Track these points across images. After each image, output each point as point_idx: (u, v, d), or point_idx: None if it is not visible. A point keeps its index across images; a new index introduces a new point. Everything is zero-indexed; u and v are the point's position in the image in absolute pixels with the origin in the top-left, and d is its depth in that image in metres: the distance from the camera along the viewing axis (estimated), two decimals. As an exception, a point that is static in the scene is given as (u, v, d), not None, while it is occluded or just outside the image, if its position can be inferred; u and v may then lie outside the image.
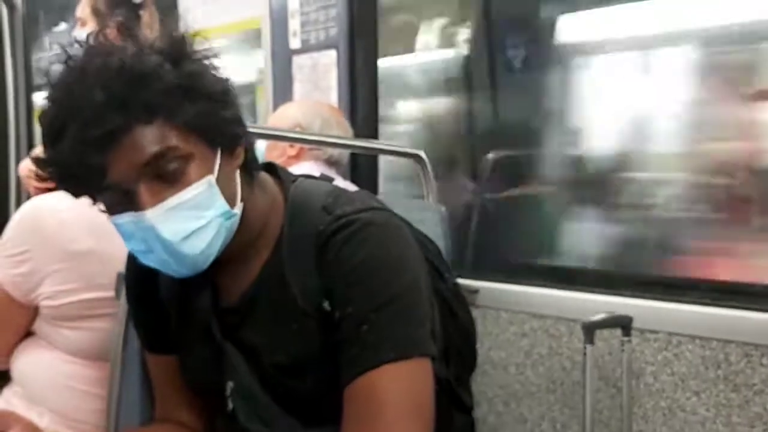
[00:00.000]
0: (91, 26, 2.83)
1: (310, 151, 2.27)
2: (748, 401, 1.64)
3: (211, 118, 1.09)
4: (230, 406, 1.23)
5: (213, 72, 1.12)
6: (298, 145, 2.27)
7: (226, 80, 1.14)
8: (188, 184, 1.08)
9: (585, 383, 1.72)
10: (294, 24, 2.66)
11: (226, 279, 1.22)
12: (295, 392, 1.19)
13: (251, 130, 1.74)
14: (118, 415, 1.51)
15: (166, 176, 1.07)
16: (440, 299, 1.34)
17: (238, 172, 1.15)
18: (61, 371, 1.68)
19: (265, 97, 2.80)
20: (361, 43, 2.55)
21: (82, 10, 2.88)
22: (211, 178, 1.09)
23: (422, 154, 2.12)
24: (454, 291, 1.43)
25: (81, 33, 2.88)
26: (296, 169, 2.23)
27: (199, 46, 1.12)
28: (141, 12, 2.86)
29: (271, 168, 1.28)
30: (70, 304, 1.64)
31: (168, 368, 1.34)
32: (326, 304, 1.14)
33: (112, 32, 3.01)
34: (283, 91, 2.71)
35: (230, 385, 1.23)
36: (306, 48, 2.65)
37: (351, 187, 2.23)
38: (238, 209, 1.14)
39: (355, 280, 1.12)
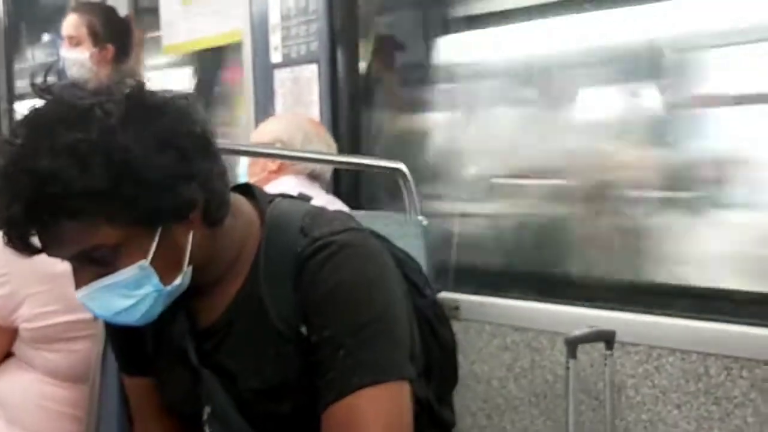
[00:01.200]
0: (86, 47, 2.83)
1: (291, 166, 2.26)
2: (728, 414, 1.65)
3: (146, 207, 1.05)
4: (207, 431, 1.22)
5: (168, 135, 1.06)
6: (278, 161, 2.27)
7: (192, 136, 1.09)
8: (118, 268, 1.08)
9: (568, 397, 1.72)
10: (275, 38, 2.66)
11: (202, 302, 1.21)
12: (273, 417, 1.18)
13: (231, 148, 1.74)
14: (98, 436, 1.50)
15: (96, 261, 1.08)
16: (420, 317, 1.33)
17: (191, 234, 1.11)
18: (39, 392, 1.67)
19: (246, 110, 2.80)
20: (343, 57, 2.55)
21: (77, 29, 2.87)
22: (143, 263, 1.08)
23: (403, 167, 2.12)
24: (434, 308, 1.43)
25: (70, 53, 2.87)
26: (277, 184, 2.23)
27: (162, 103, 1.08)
28: (130, 30, 2.88)
29: (246, 189, 1.27)
30: (49, 326, 1.63)
31: (145, 391, 1.33)
32: (303, 328, 1.13)
33: (107, 55, 3.00)
34: (264, 105, 2.71)
35: (207, 410, 1.21)
36: (287, 62, 2.65)
37: (334, 202, 2.25)
38: (179, 279, 1.12)
39: (331, 303, 1.11)
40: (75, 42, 2.88)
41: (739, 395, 1.63)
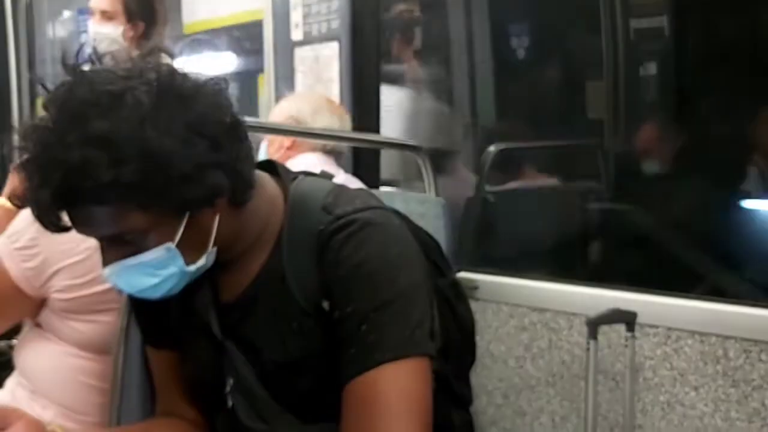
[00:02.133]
0: (119, 22, 2.82)
1: (304, 143, 2.27)
2: (746, 396, 1.65)
3: (175, 197, 1.06)
4: (230, 402, 1.23)
5: (199, 124, 1.05)
6: (292, 138, 2.28)
7: (223, 123, 1.09)
8: (146, 249, 1.09)
9: (588, 378, 1.72)
10: (296, 16, 2.66)
11: (226, 276, 1.23)
12: (295, 390, 1.20)
13: (252, 124, 1.74)
14: (120, 408, 1.51)
15: (124, 242, 1.09)
16: (440, 296, 1.34)
17: (217, 217, 1.13)
18: (68, 364, 1.68)
19: (267, 88, 2.80)
20: (363, 35, 2.54)
21: (111, 4, 2.86)
22: (170, 245, 1.09)
23: (422, 146, 2.13)
24: (453, 287, 1.44)
25: (102, 27, 2.86)
26: (296, 162, 2.23)
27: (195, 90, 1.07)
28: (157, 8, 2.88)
29: (270, 166, 1.28)
30: (82, 297, 1.63)
31: (169, 363, 1.35)
32: (325, 304, 1.14)
33: (138, 32, 2.98)
34: (285, 83, 2.72)
35: (230, 382, 1.23)
36: (308, 40, 2.65)
37: (352, 182, 2.25)
38: (204, 260, 1.14)
39: (354, 280, 1.12)
40: (108, 17, 2.87)
41: (757, 378, 1.63)
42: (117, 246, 1.10)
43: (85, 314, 1.66)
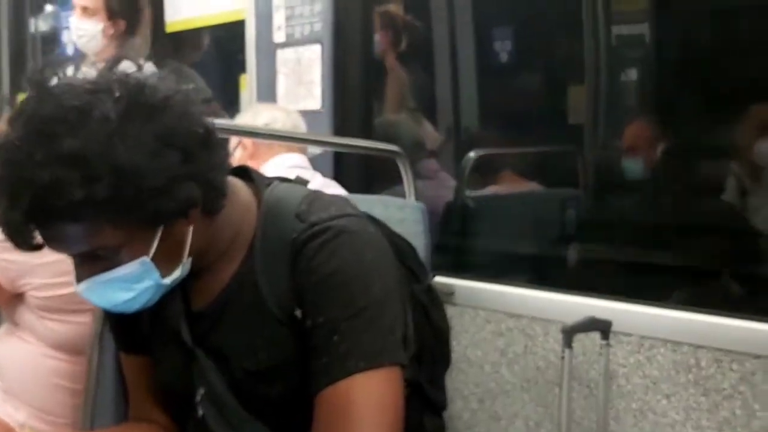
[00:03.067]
0: (100, 19, 2.82)
1: (268, 151, 2.28)
2: (717, 405, 1.66)
3: (148, 210, 1.05)
4: (200, 412, 1.23)
5: (169, 136, 1.04)
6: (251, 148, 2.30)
7: (193, 134, 1.07)
8: (120, 263, 1.08)
9: (562, 385, 1.73)
10: (279, 18, 2.66)
11: (197, 284, 1.22)
12: (266, 399, 1.19)
13: (227, 128, 1.72)
14: (93, 411, 1.51)
15: (98, 257, 1.08)
16: (415, 302, 1.35)
17: (191, 228, 1.12)
18: (42, 365, 1.69)
19: (248, 89, 2.80)
20: (346, 38, 2.55)
21: (93, 0, 2.86)
22: (145, 259, 1.09)
23: (401, 151, 2.13)
24: (429, 293, 1.44)
25: (83, 23, 2.86)
26: (273, 163, 2.24)
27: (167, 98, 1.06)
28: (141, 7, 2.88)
29: (244, 172, 1.28)
30: (58, 297, 1.64)
31: (142, 368, 1.35)
32: (298, 312, 1.14)
33: (119, 29, 3.00)
34: (267, 84, 2.72)
35: (200, 391, 1.23)
36: (290, 42, 2.65)
37: (331, 186, 2.26)
38: (179, 271, 1.13)
39: (327, 289, 1.12)
40: (90, 13, 2.88)
41: (728, 387, 1.65)
42: (90, 261, 1.09)
43: (61, 314, 1.66)
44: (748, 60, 2.32)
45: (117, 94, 1.03)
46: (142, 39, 2.88)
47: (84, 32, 2.87)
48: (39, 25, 4.65)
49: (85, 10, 2.88)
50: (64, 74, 1.11)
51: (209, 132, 1.11)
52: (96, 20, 2.85)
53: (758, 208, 2.24)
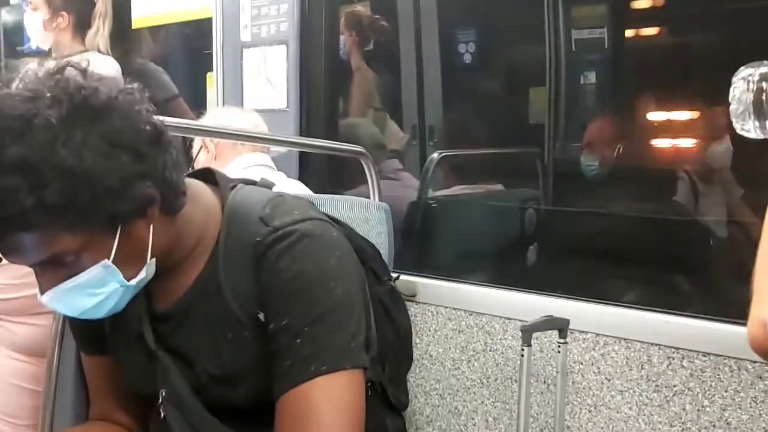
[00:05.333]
0: (42, 12, 2.83)
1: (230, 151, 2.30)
2: (668, 401, 1.72)
3: (104, 212, 1.03)
4: (162, 413, 1.23)
5: (117, 136, 1.03)
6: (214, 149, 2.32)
7: (142, 132, 1.06)
8: (82, 269, 1.07)
9: (522, 382, 1.77)
10: (245, 17, 2.67)
11: (161, 285, 1.21)
12: (228, 401, 1.20)
13: (193, 129, 1.72)
14: (53, 412, 1.50)
15: (59, 264, 1.06)
16: (378, 303, 1.38)
17: (151, 227, 1.11)
18: (3, 367, 1.68)
19: (215, 87, 2.81)
20: (312, 38, 2.57)
21: None
22: (107, 262, 1.07)
23: (366, 152, 2.17)
24: (391, 294, 1.48)
25: (29, 16, 2.87)
26: (238, 162, 2.27)
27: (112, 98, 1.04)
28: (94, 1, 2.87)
29: (208, 175, 1.28)
30: (20, 298, 1.63)
31: (103, 369, 1.34)
32: (261, 315, 1.15)
33: (63, 23, 3.00)
34: (233, 83, 2.73)
35: (162, 393, 1.23)
36: (256, 41, 2.67)
37: (296, 185, 2.29)
38: (144, 272, 1.12)
39: (290, 293, 1.13)
40: (33, 7, 2.88)
41: (678, 384, 1.71)
42: (52, 270, 1.07)
43: (23, 316, 1.66)
44: (702, 63, 2.38)
45: (58, 99, 1.02)
46: (97, 33, 2.86)
47: (31, 26, 2.88)
48: (4, 17, 4.62)
49: (31, 4, 2.89)
50: (7, 85, 1.05)
51: (159, 130, 1.10)
52: (39, 14, 2.86)
53: (709, 208, 2.31)
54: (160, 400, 1.23)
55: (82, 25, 2.89)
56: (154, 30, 3.26)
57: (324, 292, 1.14)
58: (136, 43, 3.26)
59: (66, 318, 1.42)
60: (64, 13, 2.84)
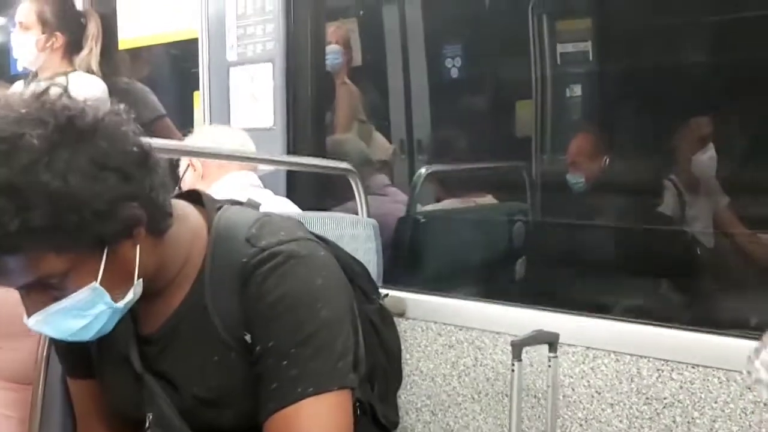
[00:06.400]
0: (35, 32, 2.83)
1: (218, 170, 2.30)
2: (658, 413, 1.72)
3: (91, 234, 1.03)
4: None
5: (103, 158, 1.03)
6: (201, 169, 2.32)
7: (128, 154, 1.06)
8: (69, 291, 1.07)
9: (512, 397, 1.76)
10: (231, 37, 2.68)
11: (147, 308, 1.21)
12: (215, 424, 1.19)
13: (179, 150, 1.71)
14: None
15: (46, 286, 1.06)
16: (366, 321, 1.38)
17: (137, 248, 1.11)
18: None
19: (202, 106, 2.82)
20: (298, 57, 2.58)
21: (27, 15, 2.87)
22: (94, 284, 1.07)
23: (353, 168, 2.17)
24: (380, 312, 1.48)
25: (19, 37, 2.87)
26: (225, 181, 2.27)
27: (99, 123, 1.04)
28: (86, 22, 2.88)
29: (195, 196, 1.28)
30: None
31: (90, 393, 1.34)
32: (247, 337, 1.15)
33: (55, 43, 3.01)
34: (220, 102, 2.73)
35: (149, 416, 1.22)
36: (242, 60, 2.67)
37: (283, 203, 2.29)
38: (131, 294, 1.12)
39: (276, 314, 1.12)
40: (24, 27, 2.89)
41: (668, 396, 1.71)
42: (39, 293, 1.07)
43: (4, 340, 1.63)
44: (686, 76, 2.41)
45: (44, 121, 1.01)
46: (90, 54, 2.88)
47: (20, 46, 2.89)
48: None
49: (21, 24, 2.90)
50: (5, 96, 1.05)
51: (145, 152, 1.10)
52: (30, 34, 2.86)
53: (695, 219, 2.32)
54: (147, 424, 1.23)
55: (73, 46, 2.90)
56: (137, 51, 3.26)
57: (310, 314, 1.13)
58: (121, 63, 3.27)
59: (52, 341, 1.42)
60: (58, 33, 2.85)
